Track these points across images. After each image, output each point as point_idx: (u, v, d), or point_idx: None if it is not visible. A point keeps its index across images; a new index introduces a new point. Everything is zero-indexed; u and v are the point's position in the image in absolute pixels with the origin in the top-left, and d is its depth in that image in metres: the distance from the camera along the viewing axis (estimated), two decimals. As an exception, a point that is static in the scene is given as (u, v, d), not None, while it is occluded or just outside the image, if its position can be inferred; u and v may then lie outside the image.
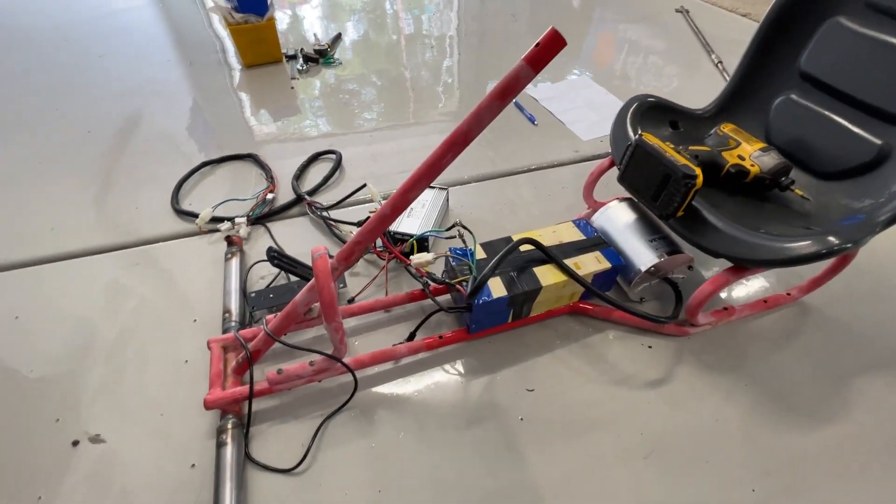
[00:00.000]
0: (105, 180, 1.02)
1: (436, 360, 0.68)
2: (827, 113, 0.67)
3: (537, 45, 0.42)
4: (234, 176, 1.03)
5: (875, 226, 0.55)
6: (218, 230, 0.88)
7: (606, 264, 0.68)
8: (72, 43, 1.61)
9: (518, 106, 1.26)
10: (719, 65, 1.45)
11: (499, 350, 0.69)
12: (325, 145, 1.11)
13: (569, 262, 0.67)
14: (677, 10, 1.88)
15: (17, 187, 1.00)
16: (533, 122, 1.20)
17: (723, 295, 0.77)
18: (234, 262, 0.78)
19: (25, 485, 0.55)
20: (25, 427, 0.61)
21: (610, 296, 0.66)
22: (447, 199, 0.91)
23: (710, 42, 1.61)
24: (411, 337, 0.68)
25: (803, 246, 0.53)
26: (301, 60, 1.47)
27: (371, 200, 0.92)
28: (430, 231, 0.76)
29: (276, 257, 0.69)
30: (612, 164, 0.78)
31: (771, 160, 0.65)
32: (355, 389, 0.61)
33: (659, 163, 0.60)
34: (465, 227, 0.69)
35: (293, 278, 0.76)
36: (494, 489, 0.55)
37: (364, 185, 0.91)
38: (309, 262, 0.76)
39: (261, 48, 1.45)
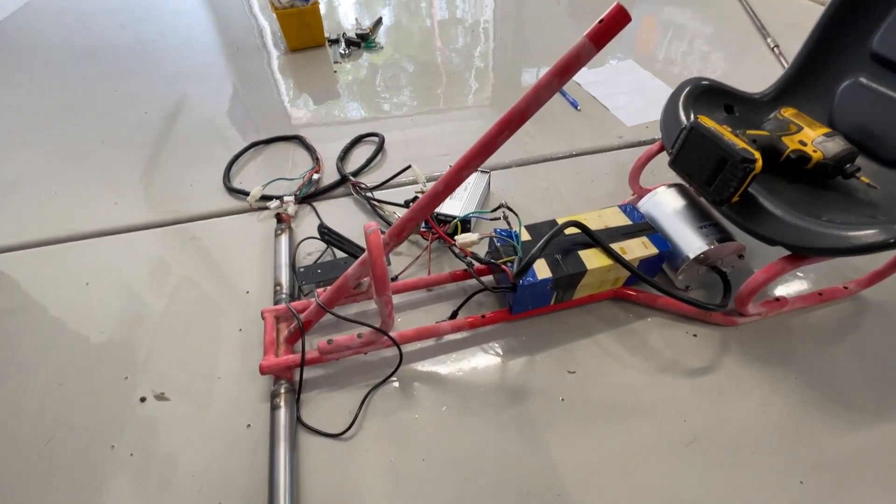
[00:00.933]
0: (162, 159, 1.07)
1: (477, 339, 0.69)
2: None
3: (601, 21, 0.41)
4: (282, 157, 1.07)
5: None
6: (267, 208, 0.91)
7: (654, 250, 0.67)
8: (127, 28, 1.68)
9: (561, 91, 1.24)
10: (775, 49, 1.37)
11: (541, 332, 0.69)
12: (367, 129, 1.13)
13: (614, 246, 0.67)
14: (732, -8, 1.79)
15: (85, 163, 1.07)
16: (576, 107, 1.18)
17: (777, 289, 0.75)
18: (284, 239, 0.81)
19: (99, 435, 0.60)
20: (98, 383, 0.66)
21: (657, 281, 0.65)
22: (489, 183, 0.91)
23: (765, 25, 1.53)
24: (454, 315, 0.69)
25: (869, 234, 0.51)
26: (343, 45, 1.49)
27: (416, 182, 0.93)
28: (474, 212, 0.77)
29: (327, 233, 0.71)
30: (661, 149, 0.77)
31: (836, 146, 0.63)
32: (400, 362, 0.63)
33: (715, 146, 0.59)
34: (510, 209, 0.69)
35: (339, 254, 0.78)
36: (536, 465, 0.56)
37: (409, 167, 0.93)
38: (356, 241, 0.78)
39: (305, 32, 1.48)
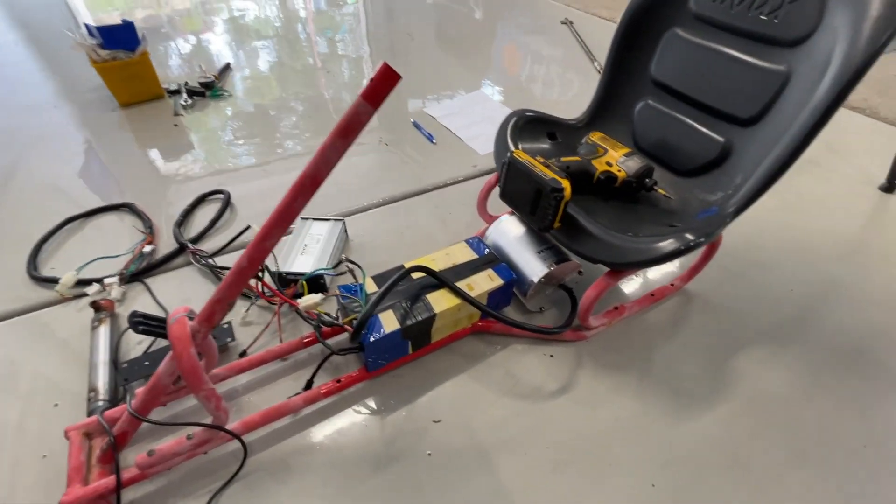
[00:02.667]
0: None
1: (338, 405, 0.64)
2: (678, 115, 0.73)
3: (371, 80, 0.41)
4: (108, 230, 0.93)
5: (725, 217, 0.60)
6: (85, 294, 0.78)
7: (500, 281, 0.68)
8: None
9: (416, 125, 1.26)
10: (601, 72, 1.55)
11: (403, 384, 0.66)
12: (213, 185, 1.04)
13: (462, 283, 0.67)
14: (562, 22, 2.00)
15: None
16: (432, 141, 1.21)
17: (627, 290, 0.81)
18: (103, 331, 0.70)
19: None
20: None
21: (502, 314, 0.66)
22: (345, 231, 0.88)
23: (592, 51, 1.72)
24: (309, 385, 0.64)
25: (667, 245, 0.56)
26: (185, 95, 1.38)
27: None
28: (316, 270, 0.73)
29: (141, 322, 0.61)
30: (498, 180, 0.80)
31: (634, 164, 0.69)
32: (245, 457, 0.56)
33: (530, 178, 0.62)
34: (352, 262, 0.66)
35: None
36: (404, 537, 0.52)
37: (248, 228, 0.86)
38: (190, 320, 0.69)
39: (136, 85, 1.35)
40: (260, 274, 0.69)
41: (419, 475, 0.57)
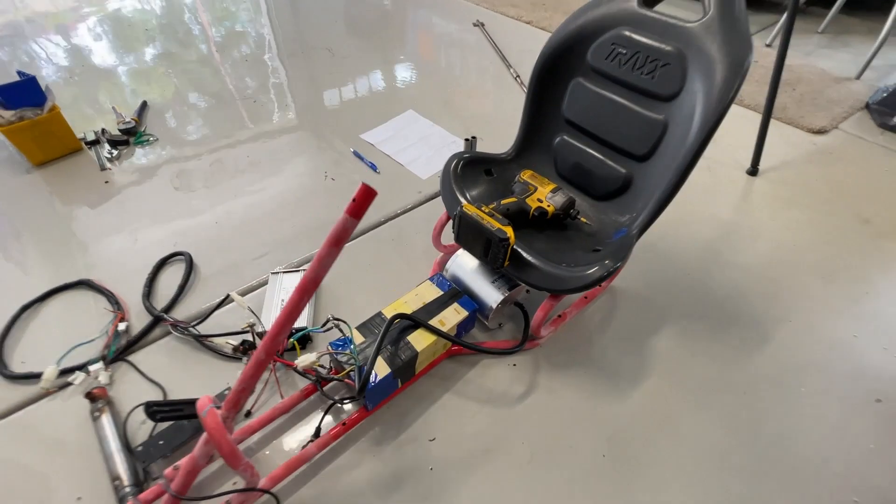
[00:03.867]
0: None
1: (345, 443, 0.74)
2: (589, 150, 0.88)
3: (354, 199, 0.50)
4: (70, 311, 0.93)
5: (633, 237, 0.76)
6: (70, 383, 0.80)
7: (465, 312, 0.81)
8: None
9: (357, 155, 1.33)
10: (517, 79, 1.68)
11: (398, 412, 0.78)
12: (167, 245, 1.06)
13: (434, 319, 0.79)
14: (475, 24, 2.10)
15: None
16: (375, 170, 1.28)
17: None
18: (105, 420, 0.74)
19: None
20: None
21: (469, 342, 0.80)
22: (314, 278, 0.96)
23: (505, 54, 1.85)
24: (317, 433, 0.73)
25: (594, 272, 0.71)
26: (108, 147, 1.33)
27: (240, 307, 0.91)
28: (308, 329, 0.81)
29: (158, 411, 0.67)
30: (449, 217, 0.91)
31: (560, 198, 0.84)
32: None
33: (480, 231, 0.74)
34: (337, 319, 0.75)
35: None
36: (424, 539, 0.65)
37: (227, 297, 0.91)
38: (192, 395, 0.75)
39: (50, 142, 1.28)
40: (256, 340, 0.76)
41: (427, 489, 0.70)
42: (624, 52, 0.79)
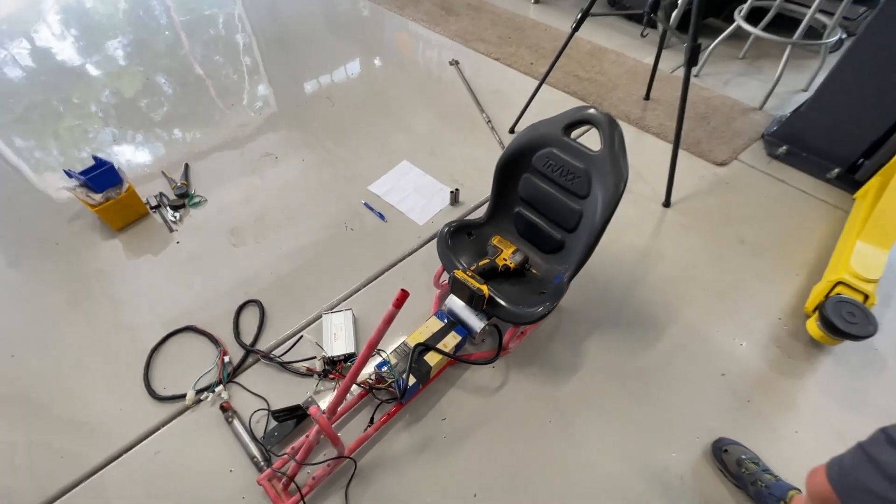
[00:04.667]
0: (74, 399, 1.24)
1: (389, 426, 1.18)
2: (536, 220, 1.29)
3: (397, 299, 0.91)
4: (184, 350, 1.34)
5: (565, 283, 1.19)
6: (201, 400, 1.22)
7: (459, 338, 1.24)
8: None
9: (368, 206, 1.71)
10: (489, 123, 2.05)
11: (420, 404, 1.22)
12: (240, 292, 1.45)
13: (440, 344, 1.22)
14: (450, 63, 2.44)
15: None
16: (383, 219, 1.68)
17: (522, 315, 1.40)
18: (237, 422, 1.16)
19: None
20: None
21: (462, 357, 1.23)
22: (354, 316, 1.37)
23: (478, 95, 2.21)
24: (372, 420, 1.17)
25: (540, 311, 1.14)
26: (170, 212, 1.69)
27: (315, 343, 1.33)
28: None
29: (280, 414, 1.11)
30: (444, 269, 1.32)
31: (518, 257, 1.26)
32: (355, 466, 1.10)
33: (467, 289, 1.16)
34: (380, 350, 1.18)
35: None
36: (444, 471, 1.10)
37: (301, 337, 1.32)
38: (283, 403, 1.18)
39: (126, 212, 1.64)
40: (327, 366, 1.19)
41: (443, 449, 1.15)
42: (553, 164, 1.19)
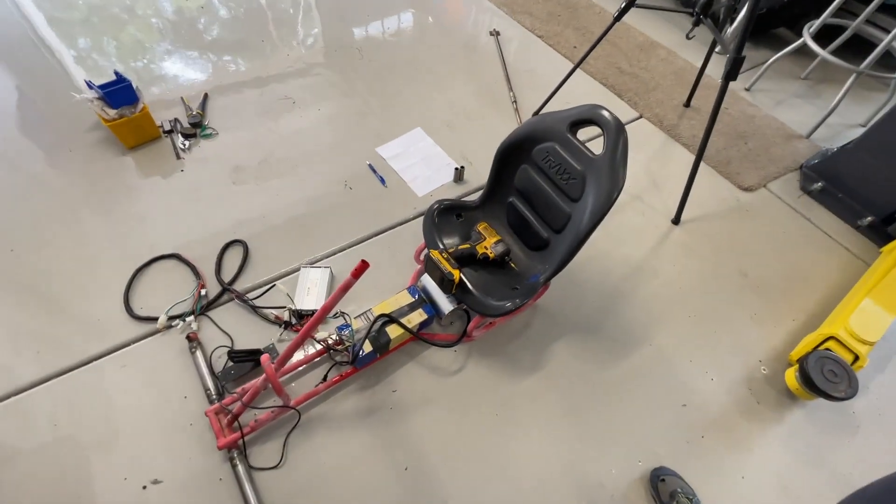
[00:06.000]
0: (59, 300, 1.32)
1: (341, 387, 1.21)
2: (527, 214, 1.25)
3: (356, 269, 0.91)
4: (167, 276, 1.38)
5: (540, 283, 1.17)
6: (172, 326, 1.27)
7: (425, 316, 1.24)
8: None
9: (372, 168, 1.70)
10: (514, 104, 1.98)
11: (376, 371, 1.24)
12: (230, 230, 1.48)
13: (405, 318, 1.22)
14: (491, 34, 2.33)
15: (-17, 320, 1.27)
16: (384, 184, 1.66)
17: (497, 306, 1.39)
18: (199, 354, 1.21)
19: (126, 515, 1.02)
20: (101, 484, 1.05)
21: (424, 336, 1.23)
22: (332, 274, 1.39)
23: (510, 73, 2.12)
24: (325, 378, 1.20)
25: (508, 305, 1.12)
26: (181, 139, 1.71)
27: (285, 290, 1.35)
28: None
29: (236, 356, 1.15)
30: (426, 246, 1.31)
31: (500, 248, 1.23)
32: (299, 417, 1.14)
33: (438, 269, 1.15)
34: (342, 312, 1.19)
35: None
36: (383, 440, 1.14)
37: (273, 285, 1.34)
38: (249, 344, 1.22)
39: (140, 133, 1.67)
40: (293, 318, 1.22)
41: (388, 419, 1.17)
42: (553, 160, 1.14)
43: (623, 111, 2.01)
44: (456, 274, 1.14)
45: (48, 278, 1.35)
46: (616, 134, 1.05)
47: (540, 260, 1.25)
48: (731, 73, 1.30)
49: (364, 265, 0.90)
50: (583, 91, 2.06)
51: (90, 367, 1.21)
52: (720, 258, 1.56)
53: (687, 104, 2.04)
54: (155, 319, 1.27)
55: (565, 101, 1.92)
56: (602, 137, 1.05)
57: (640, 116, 1.99)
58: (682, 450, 1.17)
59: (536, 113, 1.92)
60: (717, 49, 1.89)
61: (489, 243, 1.25)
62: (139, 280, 1.37)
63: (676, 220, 1.64)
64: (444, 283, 1.15)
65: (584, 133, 1.12)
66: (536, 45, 2.31)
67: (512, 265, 1.26)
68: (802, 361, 1.21)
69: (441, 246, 1.24)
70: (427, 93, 2.02)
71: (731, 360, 1.34)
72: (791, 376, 1.25)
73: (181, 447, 1.10)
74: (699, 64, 1.88)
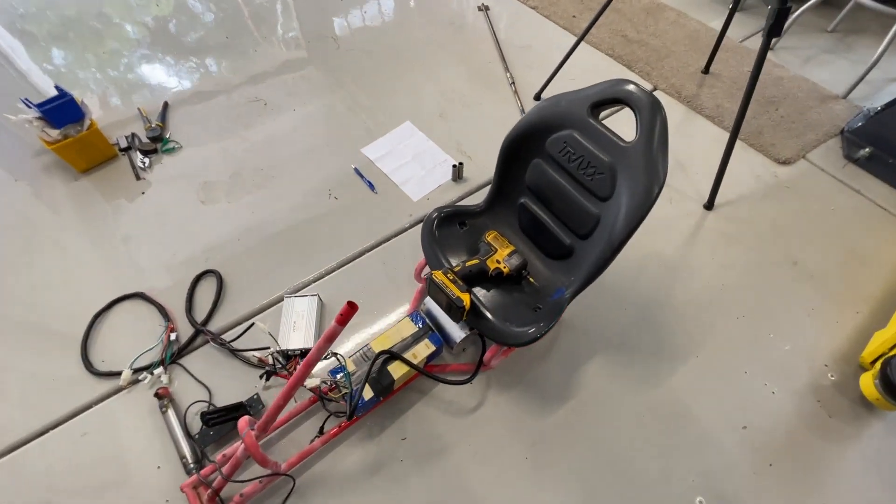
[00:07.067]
0: (5, 357, 1.13)
1: (340, 439, 1.03)
2: (543, 216, 1.05)
3: (341, 313, 0.71)
4: (131, 319, 1.19)
5: (566, 299, 0.97)
6: (139, 380, 1.09)
7: (433, 347, 1.05)
8: None
9: (358, 173, 1.49)
10: (512, 85, 1.76)
11: (381, 416, 1.05)
12: (201, 259, 1.29)
13: (409, 353, 1.03)
14: (479, 9, 2.10)
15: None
16: (373, 190, 1.46)
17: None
18: (171, 413, 1.03)
19: None
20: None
21: (433, 373, 1.04)
22: (320, 301, 1.19)
23: (504, 50, 1.89)
24: (321, 431, 1.02)
25: (531, 332, 0.93)
26: (140, 156, 1.51)
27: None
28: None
29: (211, 418, 0.96)
30: (427, 263, 1.12)
31: (515, 261, 1.04)
32: (294, 483, 0.95)
33: (444, 295, 0.95)
34: (335, 354, 1.00)
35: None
36: (395, 499, 0.96)
37: (253, 324, 1.15)
38: (230, 394, 1.03)
39: (91, 153, 1.47)
40: (277, 362, 1.03)
41: (398, 475, 0.99)
42: (572, 151, 0.94)
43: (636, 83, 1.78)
44: (466, 299, 0.94)
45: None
46: (651, 114, 0.85)
47: (563, 271, 1.05)
48: (776, 27, 1.09)
49: (351, 309, 0.71)
50: (587, 65, 1.83)
51: (41, 441, 1.02)
52: (765, 245, 1.36)
53: (706, 70, 1.82)
54: (118, 374, 1.08)
55: (570, 79, 1.71)
56: (622, 116, 0.85)
57: (655, 88, 1.77)
58: (749, 483, 0.99)
59: (539, 94, 1.71)
60: (742, 3, 1.66)
61: (502, 255, 1.05)
62: (99, 326, 1.18)
63: (710, 205, 1.44)
64: (453, 310, 0.96)
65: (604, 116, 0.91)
66: (530, 17, 2.08)
67: (530, 280, 1.06)
68: (886, 366, 1.02)
69: (445, 264, 1.04)
70: (414, 81, 1.80)
71: (793, 367, 1.15)
72: (868, 383, 1.06)
73: (156, 531, 0.93)
74: (714, 24, 1.66)
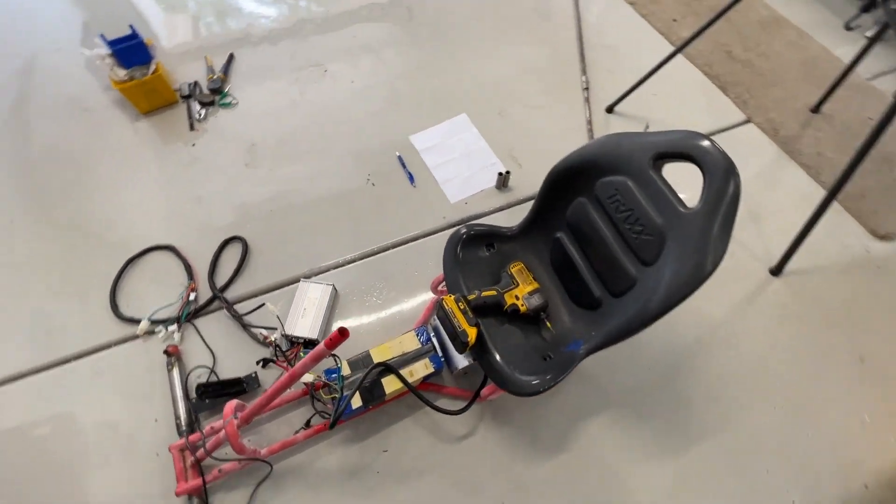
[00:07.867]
0: (49, 287, 1.22)
1: (323, 437, 1.03)
2: (577, 258, 0.95)
3: (330, 338, 0.69)
4: (158, 270, 1.24)
5: (580, 355, 0.89)
6: (154, 332, 1.14)
7: (432, 368, 1.01)
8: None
9: (401, 161, 1.44)
10: (585, 91, 1.60)
11: (368, 422, 1.04)
12: (232, 223, 1.30)
13: (406, 370, 1.00)
14: (569, -4, 1.91)
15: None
16: (412, 183, 1.40)
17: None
18: (176, 373, 1.07)
19: (76, 551, 0.92)
20: (61, 513, 0.96)
21: (429, 392, 1.01)
22: (335, 291, 1.18)
23: (586, 48, 1.72)
24: (307, 424, 1.02)
25: (536, 384, 0.86)
26: (197, 107, 1.53)
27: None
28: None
29: (205, 391, 0.99)
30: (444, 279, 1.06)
31: (535, 301, 0.96)
32: (271, 469, 0.97)
33: (450, 324, 0.90)
34: (334, 355, 0.99)
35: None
36: (360, 518, 0.96)
37: (262, 305, 1.16)
38: (233, 364, 1.06)
39: (154, 97, 1.50)
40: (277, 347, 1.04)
41: (371, 486, 0.98)
42: (622, 202, 0.83)
43: (727, 111, 1.58)
44: (472, 333, 0.89)
45: (35, 265, 1.25)
46: (723, 181, 0.73)
47: (585, 322, 0.96)
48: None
49: (341, 336, 0.67)
50: (676, 80, 1.63)
51: (65, 369, 1.10)
52: (831, 331, 1.18)
53: (816, 109, 1.57)
54: (138, 322, 1.14)
55: (651, 94, 1.54)
56: (685, 172, 0.73)
57: (748, 121, 1.56)
58: None
59: (612, 107, 1.55)
60: (866, 32, 1.39)
61: (522, 292, 0.98)
62: (130, 272, 1.24)
63: (777, 271, 1.26)
64: (457, 342, 0.91)
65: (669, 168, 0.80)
66: (626, 13, 1.87)
67: (547, 324, 0.98)
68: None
69: (461, 287, 0.98)
70: (479, 69, 1.68)
71: (826, 479, 1.01)
72: (913, 523, 0.92)
73: (142, 481, 0.98)
74: (840, 52, 1.40)
